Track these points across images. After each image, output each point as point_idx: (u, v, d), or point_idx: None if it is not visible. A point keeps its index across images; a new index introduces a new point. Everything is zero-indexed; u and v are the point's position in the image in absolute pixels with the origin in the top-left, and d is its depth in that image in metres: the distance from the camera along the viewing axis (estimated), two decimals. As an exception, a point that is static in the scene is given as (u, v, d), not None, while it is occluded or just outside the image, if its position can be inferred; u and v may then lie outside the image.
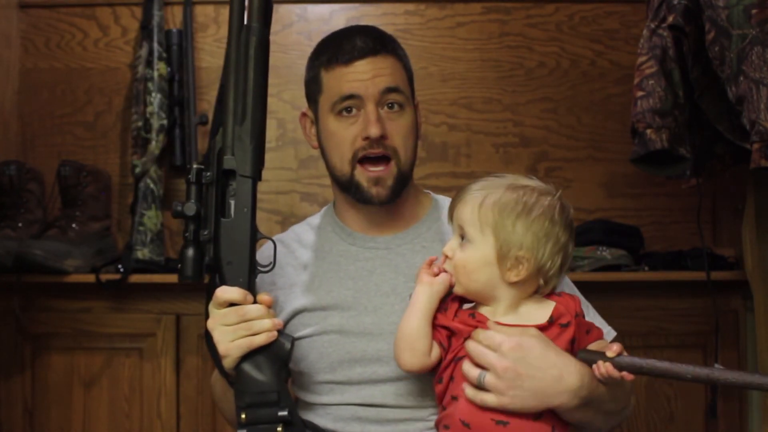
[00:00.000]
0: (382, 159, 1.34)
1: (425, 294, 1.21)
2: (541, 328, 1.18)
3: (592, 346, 1.21)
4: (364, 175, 1.34)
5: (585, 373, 1.15)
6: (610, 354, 1.14)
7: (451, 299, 1.24)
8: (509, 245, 1.17)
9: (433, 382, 1.25)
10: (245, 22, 1.25)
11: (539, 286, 1.21)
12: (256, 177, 1.23)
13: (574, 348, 1.19)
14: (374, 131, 1.31)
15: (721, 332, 2.03)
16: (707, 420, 2.07)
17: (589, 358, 1.16)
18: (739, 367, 2.05)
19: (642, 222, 2.21)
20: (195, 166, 1.23)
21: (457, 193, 1.24)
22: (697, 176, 1.90)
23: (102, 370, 2.08)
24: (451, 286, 1.23)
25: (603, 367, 1.14)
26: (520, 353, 1.13)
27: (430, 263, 1.24)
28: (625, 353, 1.15)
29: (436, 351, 1.21)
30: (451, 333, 1.21)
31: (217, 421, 2.06)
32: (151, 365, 2.06)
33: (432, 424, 1.27)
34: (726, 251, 2.12)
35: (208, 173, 1.23)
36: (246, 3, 1.26)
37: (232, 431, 2.01)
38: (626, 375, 1.13)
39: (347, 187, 1.36)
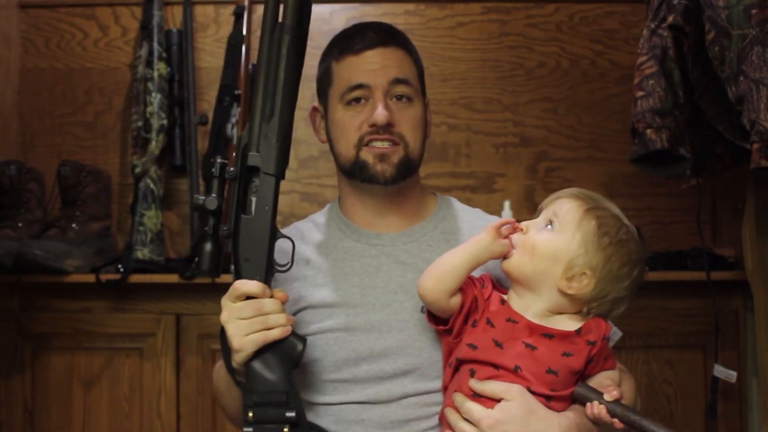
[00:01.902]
0: (389, 143, 1.34)
1: (483, 243, 1.22)
2: (568, 336, 1.18)
3: (597, 378, 1.21)
4: (370, 153, 1.34)
5: (572, 427, 1.16)
6: (607, 398, 1.15)
7: (489, 281, 1.25)
8: (585, 260, 1.18)
9: (442, 371, 1.26)
10: (279, 20, 1.24)
11: (581, 311, 1.21)
12: (280, 176, 1.23)
13: (588, 368, 1.20)
14: (381, 118, 1.31)
15: (721, 332, 2.03)
16: (707, 420, 2.06)
17: (585, 396, 1.17)
18: (739, 367, 2.05)
19: (642, 222, 2.21)
20: (219, 160, 1.22)
21: (566, 189, 1.25)
22: (697, 176, 1.90)
23: (102, 370, 2.07)
24: (503, 258, 1.23)
25: (596, 409, 1.15)
26: (500, 428, 1.14)
27: (503, 225, 1.24)
28: (622, 400, 1.16)
29: (456, 300, 1.22)
30: (476, 303, 1.22)
31: (217, 421, 2.06)
32: (151, 365, 2.06)
33: (435, 422, 1.27)
34: (726, 251, 2.12)
35: (232, 168, 1.22)
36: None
37: (232, 430, 2.01)
38: (617, 423, 1.15)
39: (353, 171, 1.36)
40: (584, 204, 1.21)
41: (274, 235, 1.23)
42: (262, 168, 1.22)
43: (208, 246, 1.21)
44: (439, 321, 1.25)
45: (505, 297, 1.24)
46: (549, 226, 1.21)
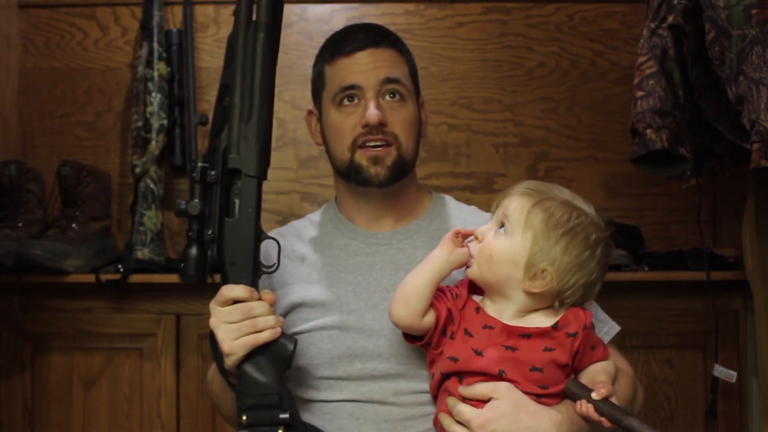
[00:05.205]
0: (382, 144, 1.34)
1: (441, 258, 1.21)
2: (546, 332, 1.17)
3: (588, 373, 1.20)
4: (364, 156, 1.34)
5: (562, 422, 1.15)
6: (595, 396, 1.14)
7: (464, 286, 1.24)
8: (542, 256, 1.17)
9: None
10: (253, 19, 1.23)
11: (553, 305, 1.21)
12: (262, 177, 1.22)
13: (576, 360, 1.19)
14: (373, 118, 1.32)
15: (721, 332, 2.03)
16: (707, 420, 2.06)
17: (575, 393, 1.17)
18: (739, 367, 2.05)
19: (642, 222, 2.21)
20: (200, 164, 1.22)
21: (515, 186, 1.23)
22: (697, 176, 1.89)
23: (102, 370, 2.07)
24: (465, 266, 1.22)
25: (585, 407, 1.14)
26: (490, 427, 1.14)
27: (457, 233, 1.23)
28: (613, 398, 1.15)
29: (430, 317, 1.21)
30: (451, 315, 1.21)
31: (216, 421, 2.06)
32: (151, 365, 2.06)
33: (429, 421, 1.27)
34: (726, 251, 2.12)
35: (213, 172, 1.21)
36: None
37: (231, 431, 2.01)
38: (605, 422, 1.14)
39: (348, 173, 1.36)
40: (530, 200, 1.20)
41: (259, 236, 1.22)
42: (244, 170, 1.21)
43: (193, 251, 1.21)
44: (415, 338, 1.24)
45: (478, 301, 1.23)
46: (502, 229, 1.20)
